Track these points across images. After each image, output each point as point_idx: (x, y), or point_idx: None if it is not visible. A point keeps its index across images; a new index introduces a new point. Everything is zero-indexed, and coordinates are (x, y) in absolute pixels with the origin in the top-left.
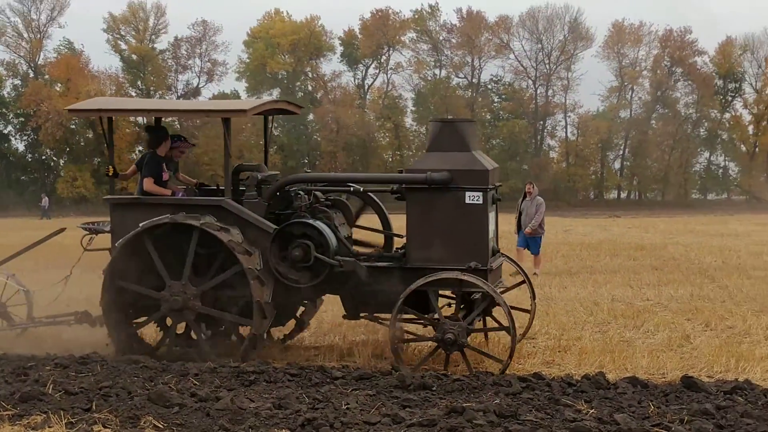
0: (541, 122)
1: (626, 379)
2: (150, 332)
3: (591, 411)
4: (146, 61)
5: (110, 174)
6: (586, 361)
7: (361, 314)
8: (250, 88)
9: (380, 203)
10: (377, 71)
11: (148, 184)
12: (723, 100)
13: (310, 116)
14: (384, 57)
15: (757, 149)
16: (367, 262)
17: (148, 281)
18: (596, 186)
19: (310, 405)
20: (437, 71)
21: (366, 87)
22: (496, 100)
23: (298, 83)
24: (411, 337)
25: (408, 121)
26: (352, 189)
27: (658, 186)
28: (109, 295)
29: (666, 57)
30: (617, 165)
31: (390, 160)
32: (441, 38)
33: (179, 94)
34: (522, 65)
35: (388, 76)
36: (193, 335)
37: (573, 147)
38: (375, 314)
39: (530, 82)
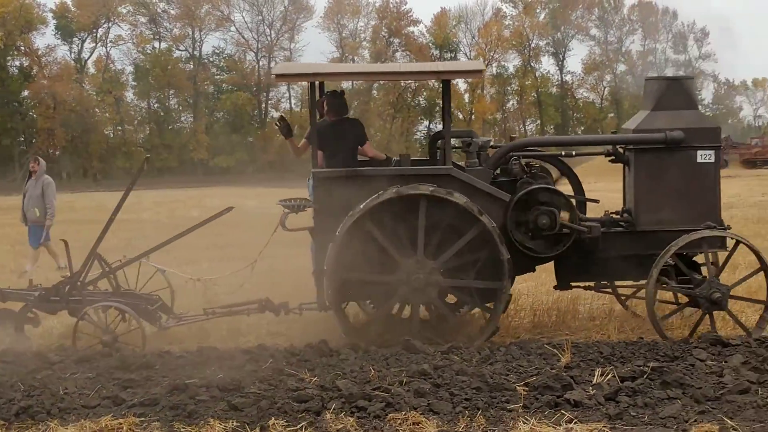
0: (265, 94)
1: (349, 346)
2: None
3: (314, 379)
4: None
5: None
6: (311, 330)
7: (573, 283)
8: None
9: (572, 168)
10: (95, 45)
11: (370, 149)
12: None
13: (25, 92)
14: (102, 30)
15: (473, 116)
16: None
17: (369, 265)
18: None
19: (25, 392)
20: (157, 44)
21: (83, 61)
22: (218, 72)
23: (10, 58)
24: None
25: (129, 95)
26: (563, 154)
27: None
28: (335, 277)
29: (384, 28)
30: None
31: (112, 135)
32: (159, 10)
33: None
34: (243, 37)
35: (108, 49)
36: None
37: (297, 118)
38: (602, 282)
39: (252, 54)
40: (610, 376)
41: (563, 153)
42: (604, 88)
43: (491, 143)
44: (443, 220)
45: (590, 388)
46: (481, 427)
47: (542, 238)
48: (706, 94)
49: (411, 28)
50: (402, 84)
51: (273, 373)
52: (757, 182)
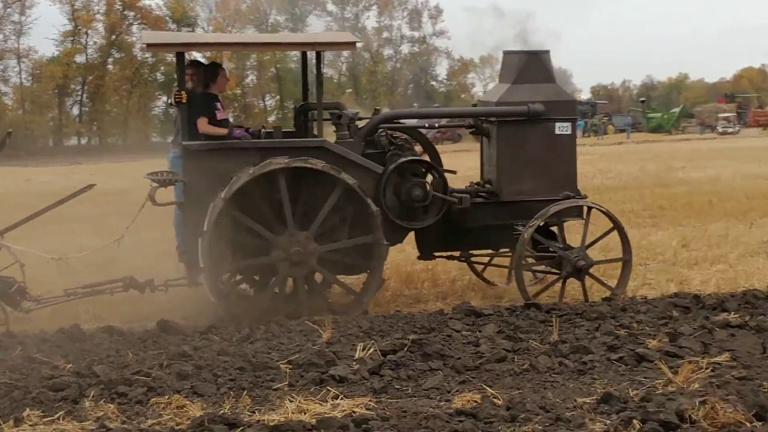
0: None
1: (102, 329)
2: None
3: (69, 366)
4: None
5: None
6: (61, 315)
7: (437, 254)
8: None
9: (429, 140)
10: None
11: (202, 124)
12: None
13: None
14: None
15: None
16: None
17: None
18: (55, 133)
19: None
20: None
21: None
22: None
23: None
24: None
25: None
26: (427, 126)
27: (119, 131)
28: (212, 243)
29: (118, 0)
30: (76, 111)
31: None
32: None
33: None
34: None
35: None
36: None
37: (28, 93)
38: (469, 252)
39: None
40: (371, 350)
41: (426, 125)
42: (342, 63)
43: (359, 115)
44: (306, 191)
45: (354, 363)
46: (248, 408)
47: (414, 209)
48: (441, 70)
49: (147, 2)
50: (139, 58)
51: (24, 361)
52: None
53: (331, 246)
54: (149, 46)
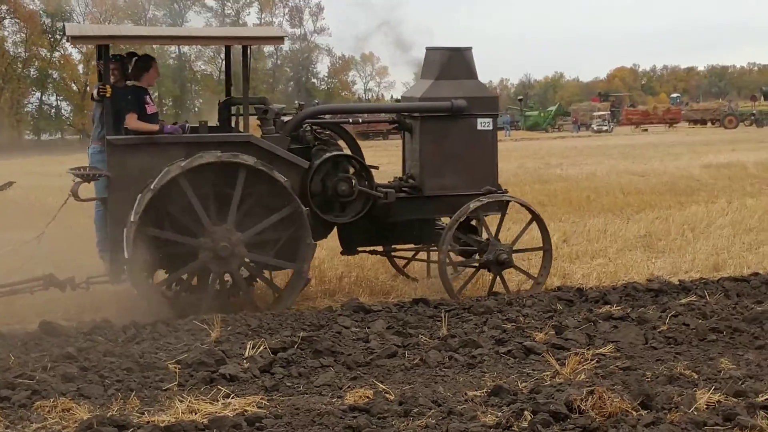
0: None
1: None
2: None
3: None
4: None
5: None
6: None
7: (360, 248)
8: None
9: (353, 135)
10: None
11: (131, 120)
12: (52, 39)
13: None
14: None
15: (88, 88)
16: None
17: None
18: None
19: None
20: None
21: None
22: None
23: None
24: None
25: None
26: (350, 121)
27: None
28: (137, 245)
29: None
30: None
31: None
32: None
33: None
34: None
35: None
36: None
37: None
38: (393, 246)
39: None
40: (261, 348)
41: (350, 120)
42: (221, 60)
43: (284, 110)
44: (253, 192)
45: (244, 361)
46: (136, 409)
47: (340, 204)
48: (322, 67)
49: None
50: (12, 53)
51: None
52: (372, 152)
53: (254, 257)
54: (73, 38)
